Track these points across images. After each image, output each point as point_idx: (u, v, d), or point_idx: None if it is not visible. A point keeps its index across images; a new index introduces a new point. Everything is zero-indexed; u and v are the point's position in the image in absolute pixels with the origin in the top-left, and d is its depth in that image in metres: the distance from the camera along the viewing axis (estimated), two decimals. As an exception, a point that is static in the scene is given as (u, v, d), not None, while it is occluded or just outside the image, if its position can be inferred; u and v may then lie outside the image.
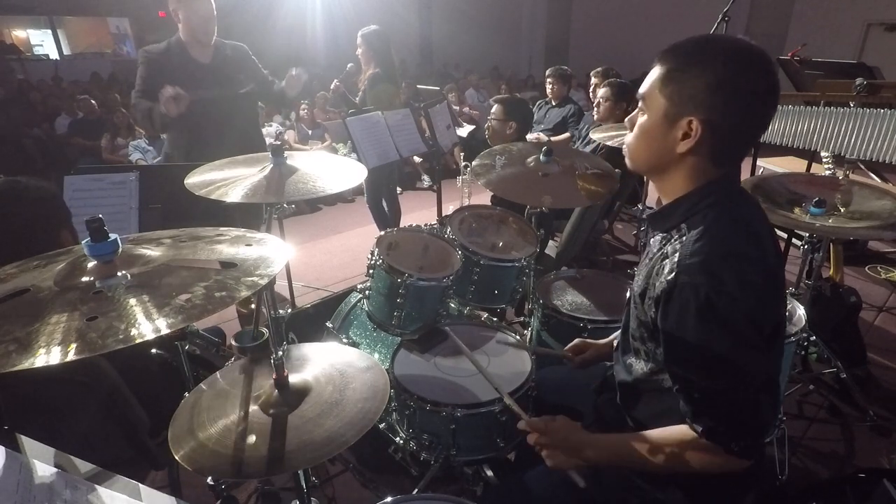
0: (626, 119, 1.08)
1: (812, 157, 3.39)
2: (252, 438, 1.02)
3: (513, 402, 1.31)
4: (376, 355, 1.83)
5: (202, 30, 2.57)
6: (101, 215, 0.84)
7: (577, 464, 1.07)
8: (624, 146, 1.09)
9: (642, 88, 1.00)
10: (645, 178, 2.73)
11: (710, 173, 0.98)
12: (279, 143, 3.49)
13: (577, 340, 1.49)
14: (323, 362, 1.24)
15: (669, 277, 0.93)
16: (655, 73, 0.97)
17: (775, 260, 0.97)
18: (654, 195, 3.61)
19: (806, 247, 2.13)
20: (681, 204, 1.00)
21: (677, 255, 0.94)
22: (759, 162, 4.11)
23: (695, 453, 0.97)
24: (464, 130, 5.35)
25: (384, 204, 3.79)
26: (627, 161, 1.08)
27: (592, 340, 1.48)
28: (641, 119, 1.01)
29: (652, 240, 1.10)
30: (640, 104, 1.02)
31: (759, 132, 0.99)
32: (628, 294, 1.14)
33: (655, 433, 1.02)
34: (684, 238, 0.96)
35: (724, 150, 0.96)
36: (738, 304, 0.87)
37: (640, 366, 1.09)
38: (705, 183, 0.98)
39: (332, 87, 3.57)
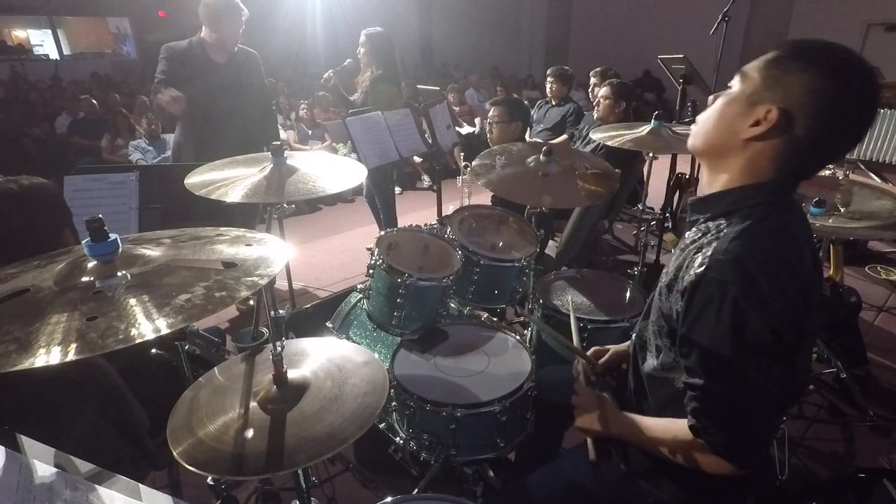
0: (711, 96, 1.00)
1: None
2: (250, 433, 1.02)
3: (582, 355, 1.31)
4: (376, 355, 1.83)
5: (227, 41, 2.87)
6: (101, 215, 0.84)
7: (599, 431, 1.12)
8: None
9: (747, 66, 0.94)
10: (645, 177, 2.72)
11: (768, 175, 0.93)
12: (278, 142, 3.49)
13: (595, 348, 1.42)
14: (321, 357, 1.24)
15: (699, 271, 0.90)
16: (768, 54, 0.91)
17: (811, 274, 0.95)
18: (654, 195, 3.61)
19: (806, 247, 2.13)
20: (728, 195, 0.96)
21: (711, 249, 0.91)
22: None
23: (689, 449, 0.97)
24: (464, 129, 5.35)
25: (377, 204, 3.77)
26: (690, 139, 1.03)
27: (610, 346, 1.41)
28: (723, 96, 0.96)
29: (688, 232, 1.07)
30: (735, 78, 0.95)
31: (829, 161, 0.96)
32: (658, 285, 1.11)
33: (662, 424, 1.03)
34: (721, 234, 0.93)
35: (791, 159, 0.91)
36: (765, 309, 0.84)
37: (651, 361, 1.09)
38: (759, 182, 0.93)
39: (323, 77, 3.54)
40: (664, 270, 1.09)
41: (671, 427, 1.01)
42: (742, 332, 0.86)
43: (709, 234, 0.97)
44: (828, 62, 0.86)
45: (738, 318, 0.85)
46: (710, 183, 1.01)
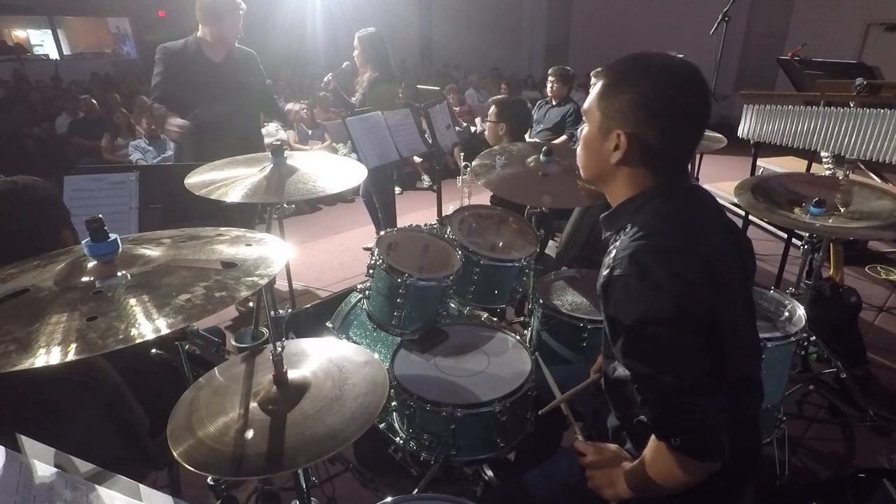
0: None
1: (812, 157, 3.39)
2: (250, 433, 1.02)
3: (572, 415, 1.29)
4: (376, 355, 1.83)
5: (228, 37, 2.85)
6: (101, 215, 0.84)
7: (613, 494, 1.07)
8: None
9: (585, 103, 1.09)
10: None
11: (650, 181, 1.03)
12: (278, 142, 3.50)
13: (601, 359, 1.39)
14: (320, 358, 1.24)
15: (605, 272, 0.99)
16: (595, 88, 1.05)
17: (717, 257, 0.97)
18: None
19: (806, 247, 2.13)
20: (626, 207, 1.06)
21: (615, 251, 1.00)
22: (759, 162, 4.11)
23: (658, 457, 0.97)
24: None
25: (376, 204, 3.76)
26: (580, 169, 1.16)
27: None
28: (584, 131, 1.10)
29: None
30: (583, 118, 1.11)
31: (690, 148, 1.05)
32: None
33: (646, 452, 1.01)
34: (624, 236, 1.03)
35: (656, 161, 1.01)
36: (664, 293, 0.90)
37: (620, 369, 1.08)
38: (646, 189, 1.04)
39: (323, 81, 3.57)
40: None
41: (650, 448, 1.00)
42: (650, 316, 0.91)
43: (615, 240, 1.07)
44: (641, 75, 0.97)
45: (642, 305, 0.91)
46: (612, 200, 1.12)
